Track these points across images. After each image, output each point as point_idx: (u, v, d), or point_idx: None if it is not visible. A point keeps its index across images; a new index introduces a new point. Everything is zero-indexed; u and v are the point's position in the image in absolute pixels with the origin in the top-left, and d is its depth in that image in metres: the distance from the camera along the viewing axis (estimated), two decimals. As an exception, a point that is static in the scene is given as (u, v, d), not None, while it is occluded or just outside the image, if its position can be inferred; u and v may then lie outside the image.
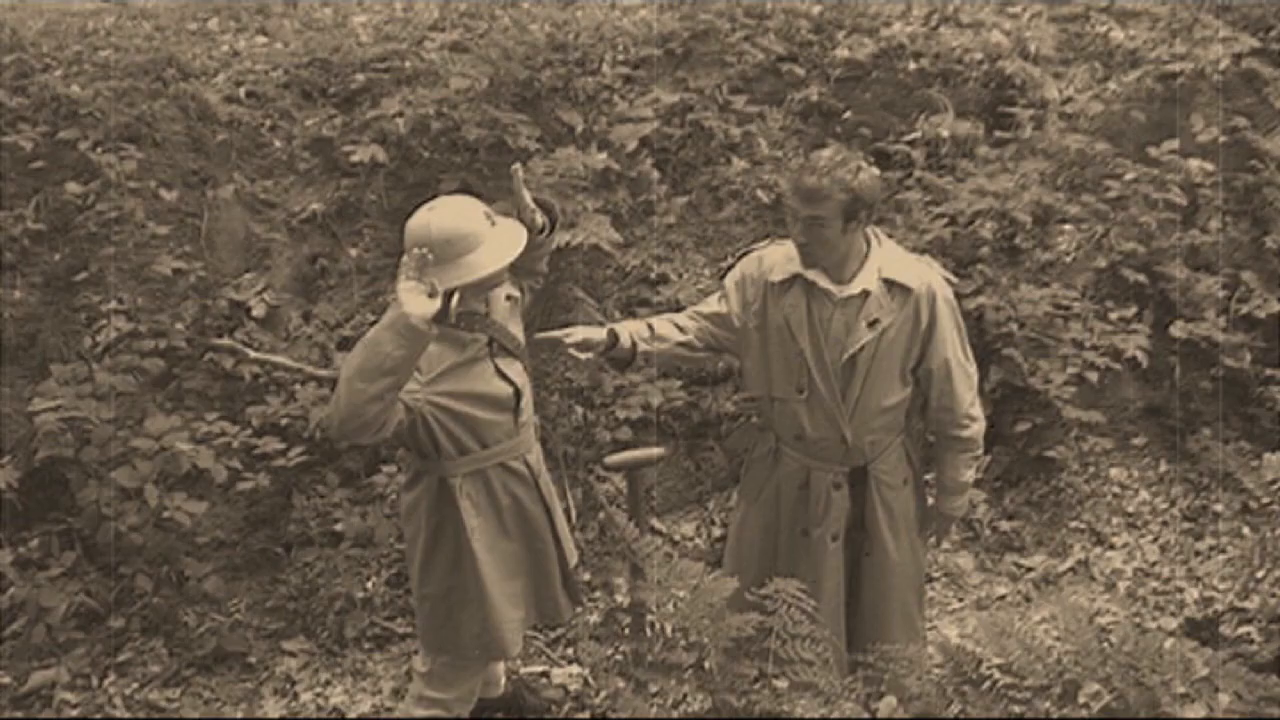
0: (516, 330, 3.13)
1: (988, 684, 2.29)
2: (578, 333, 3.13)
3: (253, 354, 4.35)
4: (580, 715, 3.72)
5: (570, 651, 4.05)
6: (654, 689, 2.43)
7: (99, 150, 4.44)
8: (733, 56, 5.32)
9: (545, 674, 3.93)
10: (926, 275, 2.99)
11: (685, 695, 2.35)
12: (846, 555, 3.15)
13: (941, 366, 3.00)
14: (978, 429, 3.13)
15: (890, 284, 2.94)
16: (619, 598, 4.18)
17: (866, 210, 2.88)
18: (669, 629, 2.33)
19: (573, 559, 3.31)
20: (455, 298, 2.90)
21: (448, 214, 2.87)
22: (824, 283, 2.97)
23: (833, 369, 2.97)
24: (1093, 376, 4.68)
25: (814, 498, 3.09)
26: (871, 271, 2.95)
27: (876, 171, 2.92)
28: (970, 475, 3.20)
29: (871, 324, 2.94)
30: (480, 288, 2.91)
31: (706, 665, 2.28)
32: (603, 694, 3.78)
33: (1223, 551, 4.54)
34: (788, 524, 3.17)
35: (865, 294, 2.94)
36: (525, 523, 3.15)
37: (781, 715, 2.30)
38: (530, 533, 3.16)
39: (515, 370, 3.07)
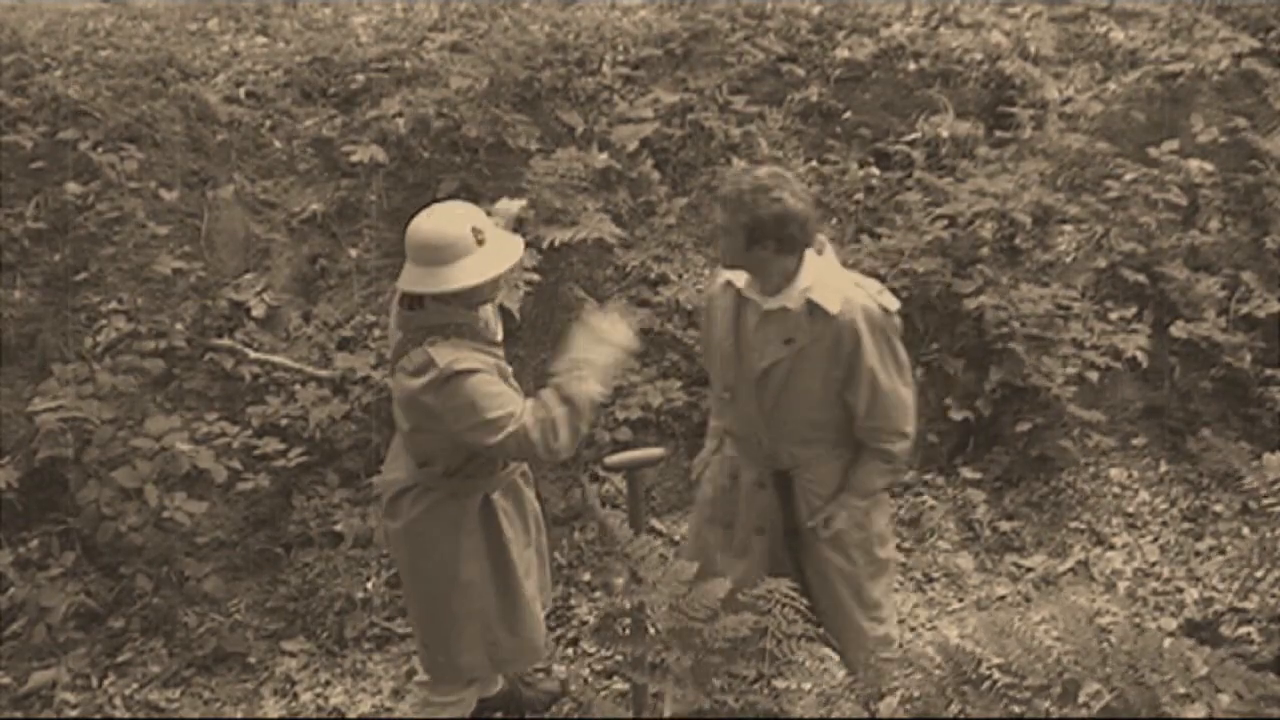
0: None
1: (988, 684, 2.29)
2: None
3: (253, 354, 4.35)
4: (579, 715, 3.72)
5: (570, 651, 4.05)
6: (653, 690, 2.43)
7: (99, 150, 4.44)
8: (733, 56, 5.32)
9: (545, 670, 3.93)
10: (854, 300, 2.93)
11: (683, 696, 2.35)
12: (790, 557, 3.17)
13: (868, 390, 2.96)
14: (904, 446, 3.07)
15: (813, 305, 2.93)
16: (617, 599, 4.18)
17: (774, 240, 2.86)
18: (666, 630, 2.34)
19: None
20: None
21: (446, 219, 2.91)
22: (751, 293, 3.01)
23: (752, 376, 3.02)
24: (1093, 376, 4.69)
25: (740, 493, 3.17)
26: (797, 289, 2.94)
27: (800, 206, 2.85)
28: (881, 485, 3.14)
29: (787, 342, 2.95)
30: (475, 296, 2.92)
31: (703, 666, 2.28)
32: (600, 694, 3.78)
33: (1222, 552, 4.54)
34: (715, 516, 3.26)
35: (785, 310, 2.95)
36: (536, 523, 3.23)
37: (781, 715, 2.30)
38: (539, 530, 3.24)
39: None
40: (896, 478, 3.19)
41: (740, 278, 3.04)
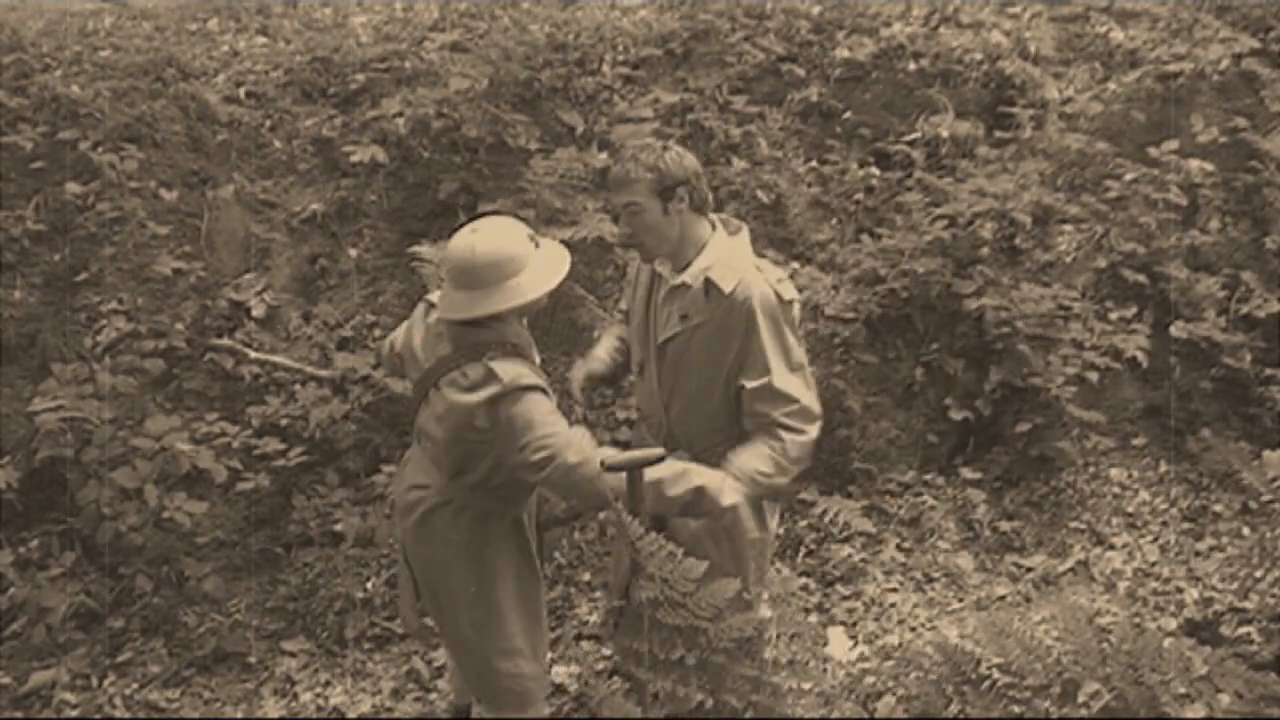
0: None
1: (987, 684, 2.29)
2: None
3: (253, 354, 4.35)
4: (579, 715, 3.72)
5: (570, 651, 4.05)
6: (654, 689, 2.43)
7: (99, 150, 4.44)
8: (733, 56, 5.32)
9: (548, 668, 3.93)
10: (750, 283, 2.89)
11: (685, 695, 2.35)
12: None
13: (757, 375, 2.91)
14: (793, 439, 2.93)
15: (710, 284, 2.92)
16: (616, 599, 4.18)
17: (683, 186, 2.87)
18: (670, 628, 2.33)
19: None
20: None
21: (493, 237, 2.78)
22: (661, 268, 3.02)
23: (653, 351, 3.04)
24: (1093, 376, 4.69)
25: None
26: (699, 267, 2.94)
27: (687, 153, 2.89)
28: (762, 469, 2.91)
29: (684, 318, 2.96)
30: (527, 311, 2.86)
31: (707, 664, 2.28)
32: (601, 694, 3.78)
33: (1223, 552, 4.54)
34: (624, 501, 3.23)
35: (685, 287, 2.95)
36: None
37: (781, 715, 2.30)
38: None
39: None
40: (783, 473, 2.96)
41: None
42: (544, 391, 2.75)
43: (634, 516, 3.22)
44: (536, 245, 2.82)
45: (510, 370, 2.72)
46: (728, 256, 2.95)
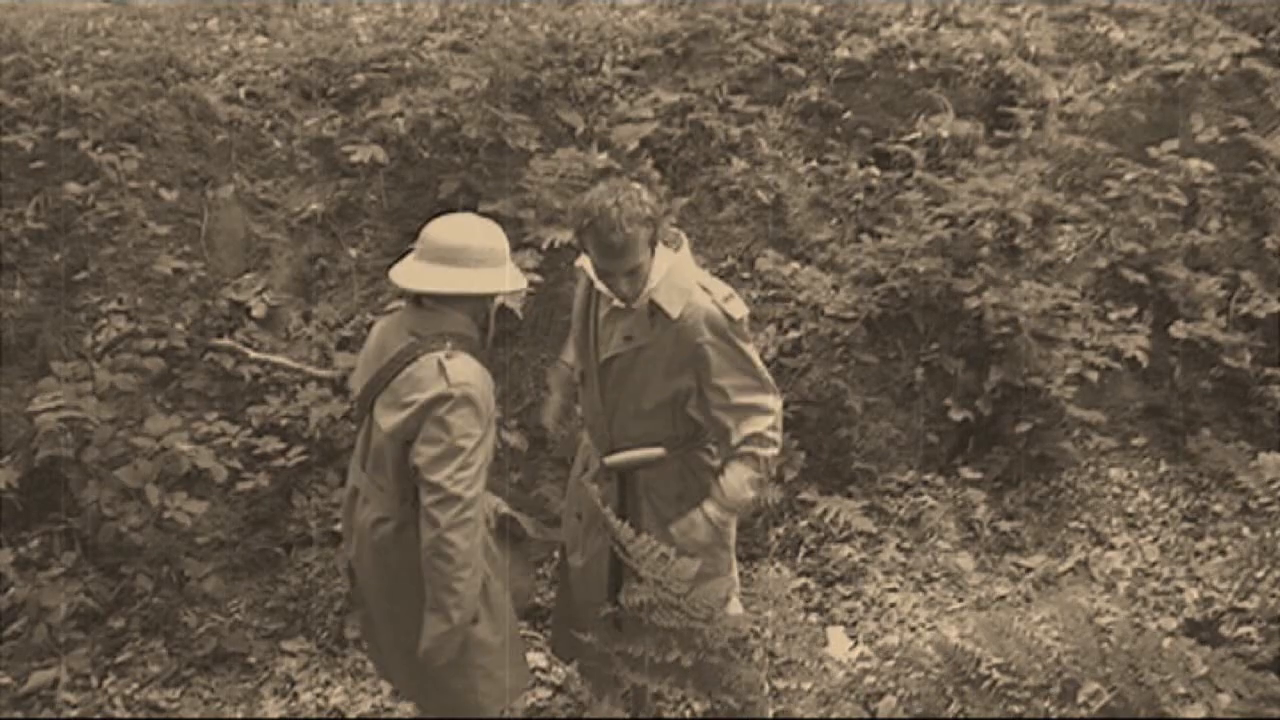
0: None
1: (987, 684, 2.29)
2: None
3: (253, 354, 4.35)
4: (577, 715, 3.72)
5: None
6: (653, 690, 2.43)
7: (99, 150, 4.44)
8: (733, 56, 5.32)
9: (545, 668, 3.93)
10: (698, 304, 2.86)
11: (684, 696, 2.35)
12: (606, 551, 3.05)
13: (719, 401, 2.90)
14: (770, 453, 2.95)
15: (654, 307, 2.88)
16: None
17: (658, 227, 2.86)
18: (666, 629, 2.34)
19: None
20: None
21: (484, 228, 2.86)
22: (600, 284, 2.98)
23: (595, 366, 3.03)
24: (1093, 376, 4.69)
25: (591, 481, 3.18)
26: (643, 291, 2.90)
27: (642, 189, 2.84)
28: (751, 495, 2.97)
29: (627, 338, 2.93)
30: (483, 307, 2.90)
31: (703, 665, 2.28)
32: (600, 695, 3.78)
33: (1223, 552, 4.54)
34: (569, 505, 3.30)
35: (629, 310, 2.92)
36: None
37: (781, 715, 2.30)
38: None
39: None
40: (764, 490, 3.04)
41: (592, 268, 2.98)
42: (477, 407, 2.70)
43: (628, 518, 3.24)
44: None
45: (461, 374, 2.70)
46: (674, 276, 2.91)
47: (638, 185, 2.87)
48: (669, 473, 3.06)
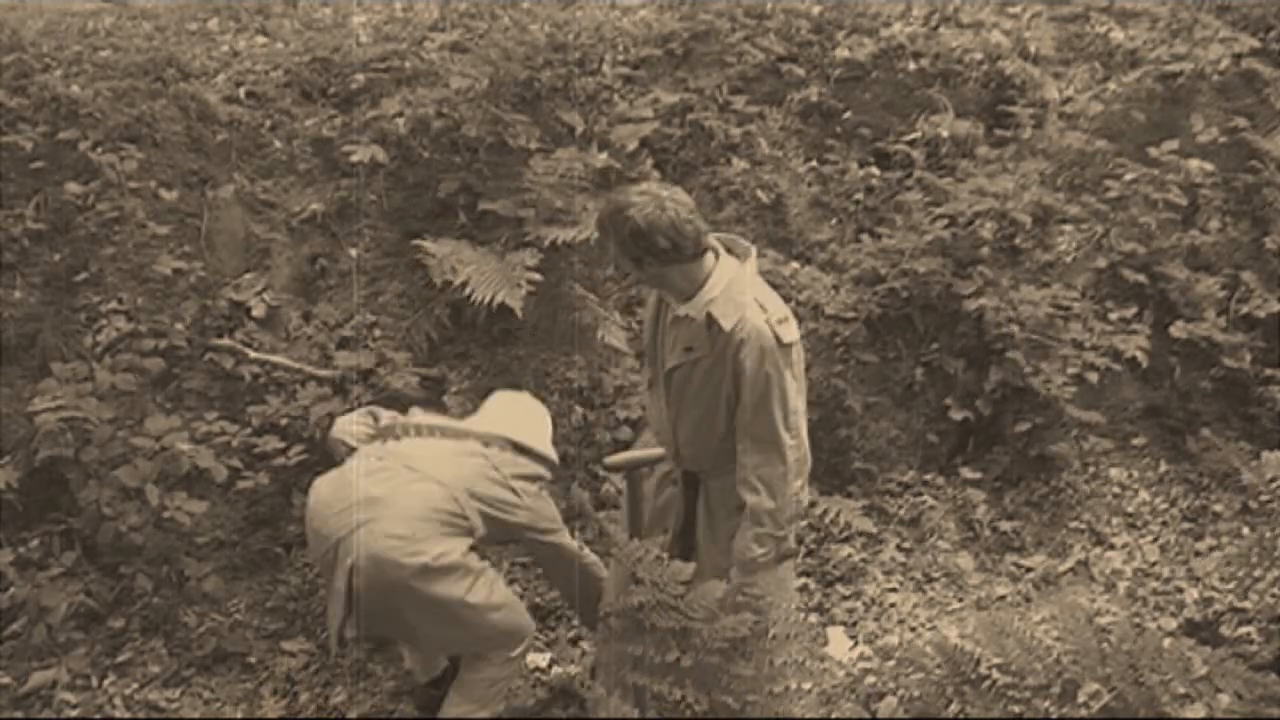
0: None
1: (987, 684, 2.29)
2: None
3: (253, 354, 4.35)
4: (576, 715, 3.72)
5: (569, 651, 4.05)
6: (652, 690, 2.43)
7: (99, 150, 4.43)
8: (733, 56, 5.31)
9: (545, 668, 3.93)
10: (751, 321, 2.85)
11: (683, 696, 2.35)
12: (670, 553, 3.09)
13: (743, 420, 2.90)
14: (768, 505, 2.88)
15: (711, 320, 2.89)
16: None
17: (649, 254, 2.85)
18: (665, 631, 2.34)
19: None
20: None
21: None
22: (669, 296, 3.02)
23: (661, 374, 3.07)
24: (1093, 376, 4.68)
25: (652, 485, 3.24)
26: (703, 300, 2.91)
27: (660, 215, 2.82)
28: (759, 553, 2.90)
29: (687, 349, 2.95)
30: None
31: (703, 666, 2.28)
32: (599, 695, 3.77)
33: (1222, 551, 4.54)
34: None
35: (689, 319, 2.94)
36: None
37: (781, 715, 2.30)
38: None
39: None
40: (780, 540, 2.92)
41: None
42: None
43: (634, 517, 3.24)
44: None
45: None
46: (732, 289, 2.90)
47: (659, 204, 2.86)
48: (730, 483, 3.00)
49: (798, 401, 2.91)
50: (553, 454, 3.49)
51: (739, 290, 2.91)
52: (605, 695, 2.42)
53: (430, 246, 4.38)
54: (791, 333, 2.91)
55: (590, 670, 3.64)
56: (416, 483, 3.14)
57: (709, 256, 2.94)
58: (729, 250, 3.00)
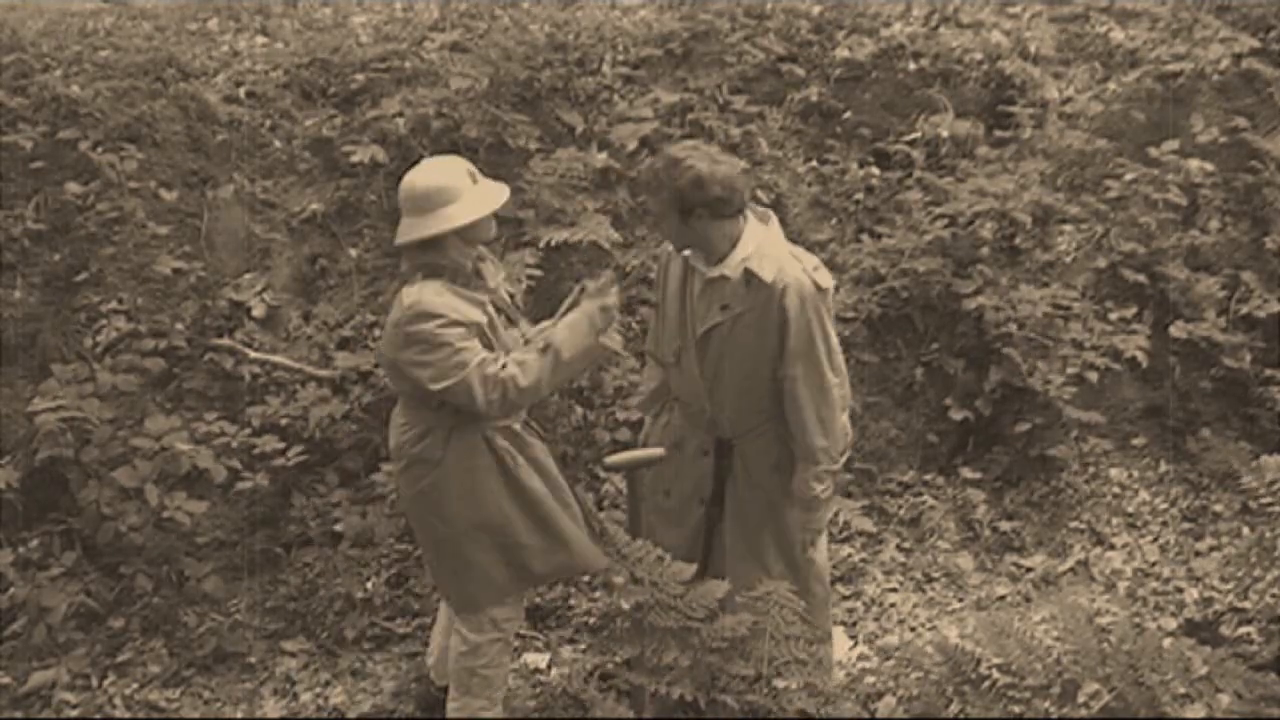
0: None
1: (987, 684, 2.29)
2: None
3: (253, 354, 4.35)
4: (575, 715, 3.72)
5: (569, 652, 4.05)
6: (651, 690, 2.43)
7: (99, 150, 4.44)
8: (733, 56, 5.32)
9: (545, 669, 3.93)
10: (789, 272, 3.01)
11: (682, 696, 2.35)
12: (704, 524, 3.28)
13: (791, 368, 3.04)
14: (822, 443, 3.09)
15: (750, 274, 3.01)
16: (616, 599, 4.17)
17: (704, 206, 2.95)
18: (664, 630, 2.34)
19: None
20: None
21: (430, 170, 3.12)
22: (696, 261, 3.11)
23: (693, 341, 3.12)
24: (1093, 376, 4.68)
25: (682, 460, 3.27)
26: (737, 258, 3.03)
27: (718, 168, 2.95)
28: (820, 490, 3.14)
29: (724, 308, 3.05)
30: (463, 238, 3.07)
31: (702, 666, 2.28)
32: (601, 693, 3.78)
33: (1222, 551, 4.54)
34: (656, 484, 3.36)
35: (724, 279, 3.04)
36: (550, 478, 3.30)
37: (780, 715, 2.30)
38: (555, 486, 3.30)
39: (514, 340, 3.21)
40: (836, 479, 3.21)
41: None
42: (444, 318, 2.96)
43: (633, 517, 3.24)
44: (475, 181, 3.10)
45: (412, 295, 3.01)
46: (766, 247, 3.05)
47: (713, 159, 2.98)
48: (765, 444, 3.18)
49: (836, 343, 3.09)
50: None
51: (771, 246, 3.06)
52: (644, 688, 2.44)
53: None
54: (827, 279, 3.09)
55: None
56: None
57: (740, 218, 3.07)
58: (754, 215, 3.15)
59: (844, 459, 3.21)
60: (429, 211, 3.04)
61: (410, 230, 3.08)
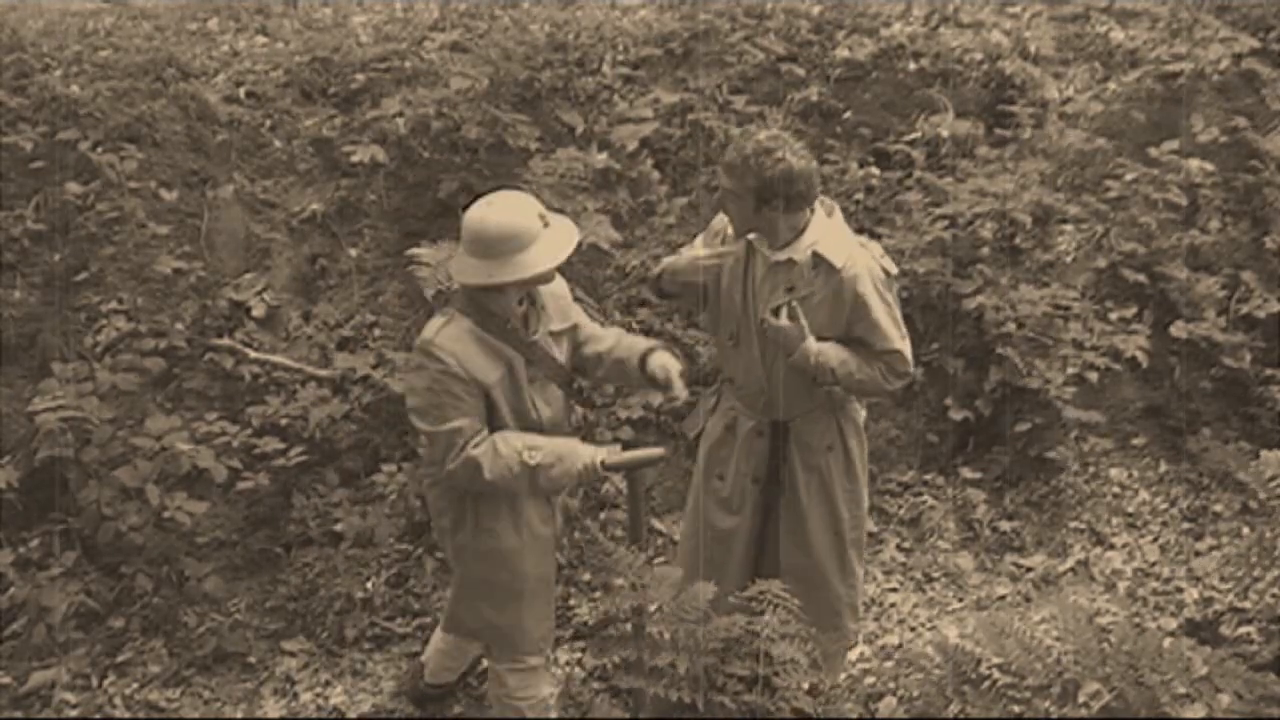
0: (559, 356, 3.16)
1: (988, 684, 2.29)
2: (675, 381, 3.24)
3: (253, 354, 4.35)
4: (575, 715, 3.72)
5: (570, 651, 4.05)
6: (651, 692, 2.43)
7: (99, 150, 4.44)
8: (733, 56, 5.32)
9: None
10: (858, 259, 3.12)
11: (680, 698, 2.35)
12: (760, 506, 3.32)
13: (882, 344, 3.15)
14: (900, 383, 3.23)
15: (819, 259, 3.09)
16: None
17: (783, 199, 3.00)
18: (663, 633, 2.34)
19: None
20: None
21: (503, 210, 2.92)
22: (760, 245, 3.16)
23: (754, 324, 3.16)
24: (1093, 376, 4.69)
25: (736, 443, 3.30)
26: (805, 244, 3.10)
27: (803, 163, 3.00)
28: (862, 376, 3.17)
29: (789, 290, 3.11)
30: (528, 285, 2.98)
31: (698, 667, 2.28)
32: (598, 695, 3.78)
33: (1222, 551, 4.54)
34: (709, 467, 3.39)
35: (791, 263, 3.10)
36: (540, 542, 3.24)
37: (780, 715, 2.30)
38: (545, 552, 3.27)
39: (551, 395, 3.11)
40: (880, 385, 3.25)
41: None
42: (449, 371, 2.87)
43: (634, 517, 3.24)
44: (546, 224, 2.93)
45: (435, 327, 2.94)
46: (832, 235, 3.13)
47: (794, 153, 3.01)
48: (823, 426, 3.26)
49: (900, 319, 3.22)
50: None
51: (838, 233, 3.15)
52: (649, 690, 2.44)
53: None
54: (892, 266, 3.23)
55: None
56: None
57: (808, 210, 3.13)
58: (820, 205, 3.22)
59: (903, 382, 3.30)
60: (497, 257, 2.86)
61: (474, 273, 2.91)
